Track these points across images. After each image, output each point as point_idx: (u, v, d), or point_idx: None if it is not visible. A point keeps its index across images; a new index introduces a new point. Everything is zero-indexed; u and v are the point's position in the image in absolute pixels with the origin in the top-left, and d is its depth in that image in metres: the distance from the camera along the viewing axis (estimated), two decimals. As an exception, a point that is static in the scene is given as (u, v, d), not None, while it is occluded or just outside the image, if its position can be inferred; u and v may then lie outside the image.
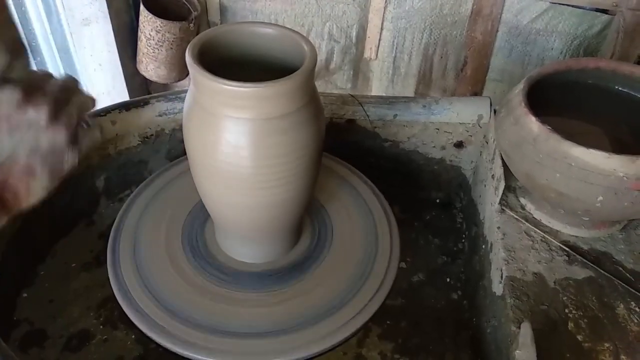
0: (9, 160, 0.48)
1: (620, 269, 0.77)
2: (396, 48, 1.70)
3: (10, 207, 0.50)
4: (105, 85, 1.80)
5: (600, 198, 0.70)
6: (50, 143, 0.49)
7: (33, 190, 0.50)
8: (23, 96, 0.48)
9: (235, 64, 0.68)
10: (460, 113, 1.00)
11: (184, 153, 0.70)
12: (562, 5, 1.48)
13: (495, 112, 0.96)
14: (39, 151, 0.49)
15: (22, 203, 0.51)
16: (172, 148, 1.03)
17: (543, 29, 1.53)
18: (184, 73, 1.73)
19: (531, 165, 0.74)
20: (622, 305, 0.72)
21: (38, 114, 0.48)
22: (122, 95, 1.80)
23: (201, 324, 0.69)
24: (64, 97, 0.51)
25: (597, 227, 0.81)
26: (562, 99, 0.83)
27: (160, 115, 0.99)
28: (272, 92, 0.59)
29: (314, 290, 0.74)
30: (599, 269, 0.76)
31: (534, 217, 0.84)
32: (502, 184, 0.83)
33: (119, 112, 0.96)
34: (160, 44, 1.60)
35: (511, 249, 0.78)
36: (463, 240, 1.03)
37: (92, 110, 0.54)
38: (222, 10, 1.72)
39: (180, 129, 0.68)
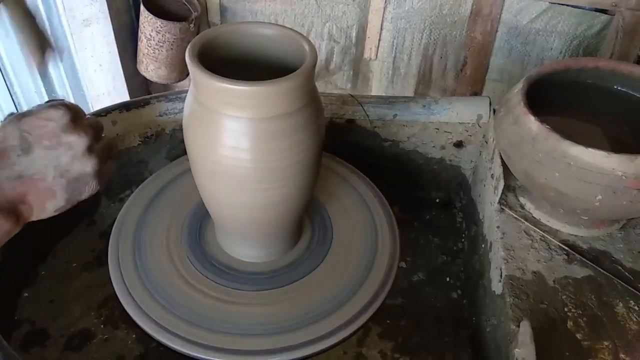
0: (36, 176, 0.50)
1: (620, 267, 0.77)
2: (396, 48, 1.70)
3: (22, 219, 0.51)
4: (105, 85, 1.80)
5: (599, 197, 0.70)
6: (79, 171, 0.52)
7: (47, 209, 0.52)
8: (70, 120, 0.51)
9: (235, 64, 0.68)
10: (459, 113, 1.00)
11: (185, 153, 0.71)
12: (561, 5, 1.49)
13: (494, 111, 0.96)
14: (66, 175, 0.51)
15: (32, 218, 0.52)
16: (172, 148, 1.03)
17: (542, 29, 1.53)
18: (184, 73, 1.73)
19: (530, 164, 0.74)
20: (621, 304, 0.72)
21: (79, 142, 0.51)
22: (122, 95, 1.80)
23: (202, 323, 0.69)
24: (96, 135, 0.54)
25: (596, 226, 0.81)
26: (561, 99, 0.83)
27: (160, 116, 1.00)
28: (272, 92, 0.60)
29: (314, 290, 0.74)
30: (598, 268, 0.76)
31: (533, 217, 0.84)
32: (502, 184, 0.83)
33: (120, 112, 0.96)
34: (161, 44, 1.61)
35: (510, 248, 0.78)
36: (463, 240, 1.03)
37: (113, 152, 0.58)
38: (222, 10, 1.73)
39: (181, 129, 0.69)
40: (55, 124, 0.50)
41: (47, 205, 0.52)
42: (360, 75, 1.80)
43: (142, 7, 1.58)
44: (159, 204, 0.84)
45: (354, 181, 0.90)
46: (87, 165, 0.52)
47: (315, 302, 0.72)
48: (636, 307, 0.72)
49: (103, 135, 0.57)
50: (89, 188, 0.53)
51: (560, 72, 0.82)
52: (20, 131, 0.49)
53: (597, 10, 1.47)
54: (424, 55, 1.69)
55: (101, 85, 1.80)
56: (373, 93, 1.81)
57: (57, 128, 0.50)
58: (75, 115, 0.51)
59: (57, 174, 0.51)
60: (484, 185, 0.94)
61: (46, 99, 1.77)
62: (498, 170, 0.85)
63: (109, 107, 0.96)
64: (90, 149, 0.52)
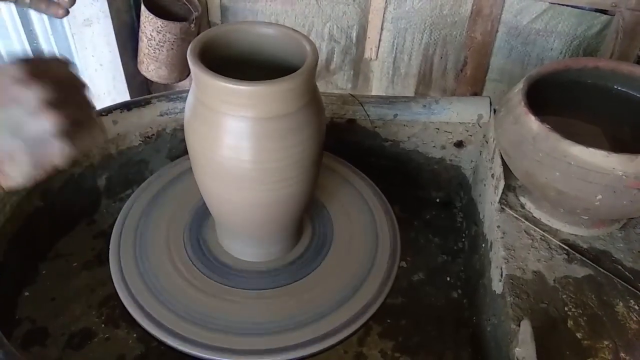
0: None
1: (620, 267, 0.77)
2: (396, 48, 1.70)
3: None
4: (106, 85, 1.80)
5: (599, 197, 0.70)
6: (36, 129, 0.45)
7: (11, 174, 0.46)
8: (26, 75, 0.44)
9: (236, 63, 0.68)
10: (460, 113, 1.00)
11: (185, 152, 0.71)
12: (561, 6, 1.48)
13: (494, 111, 0.97)
14: (20, 135, 0.45)
15: (2, 184, 0.47)
16: (173, 147, 1.03)
17: (542, 29, 1.53)
18: (184, 73, 1.73)
19: (531, 164, 0.74)
20: (621, 304, 0.72)
21: (31, 96, 0.44)
22: (123, 95, 1.80)
23: (202, 322, 0.69)
24: (67, 91, 0.47)
25: (596, 225, 0.81)
26: (562, 99, 0.83)
27: (161, 115, 1.00)
28: (273, 91, 0.60)
29: (315, 289, 0.75)
30: (598, 268, 0.76)
31: (533, 216, 0.84)
32: (502, 183, 0.83)
33: (121, 112, 0.96)
34: (161, 44, 1.61)
35: (511, 248, 0.79)
36: (463, 239, 1.03)
37: (93, 112, 0.50)
38: (223, 10, 1.73)
39: (182, 129, 0.69)
40: (7, 78, 0.44)
41: (6, 169, 0.46)
42: (360, 75, 1.80)
43: (142, 7, 1.58)
44: (159, 203, 0.84)
45: (355, 181, 0.90)
46: (45, 122, 0.44)
47: (316, 301, 0.73)
48: (636, 307, 0.72)
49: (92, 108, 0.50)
50: (58, 150, 0.46)
51: (560, 72, 0.82)
52: None
53: (597, 10, 1.47)
54: (424, 56, 1.69)
55: (102, 84, 1.79)
56: (373, 93, 1.81)
57: (8, 83, 0.43)
58: (34, 71, 0.44)
59: (9, 134, 0.44)
60: (485, 185, 0.94)
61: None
62: (498, 169, 0.85)
63: (109, 106, 0.96)
64: (49, 104, 0.44)
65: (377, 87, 1.80)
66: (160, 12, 1.60)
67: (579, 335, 0.68)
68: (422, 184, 1.11)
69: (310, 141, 0.66)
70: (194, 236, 0.80)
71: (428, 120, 1.01)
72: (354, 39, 1.71)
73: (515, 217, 0.84)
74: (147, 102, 0.99)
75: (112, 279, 0.74)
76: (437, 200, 1.12)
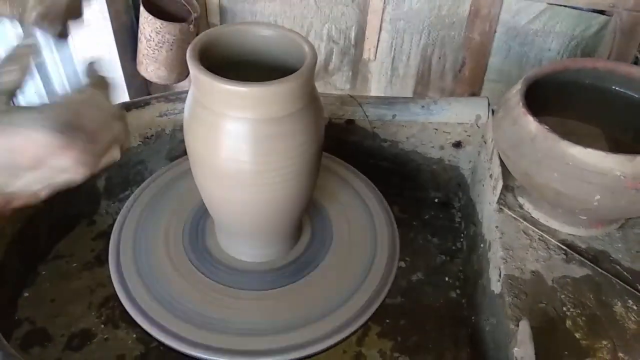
0: (21, 189, 0.47)
1: (618, 267, 0.77)
2: (394, 49, 1.70)
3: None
4: (105, 86, 1.80)
5: (598, 197, 0.70)
6: (67, 182, 0.48)
7: (29, 203, 0.49)
8: (62, 143, 0.46)
9: (235, 65, 0.68)
10: (458, 113, 1.01)
11: (185, 153, 0.71)
12: (559, 6, 1.49)
13: (493, 112, 0.97)
14: (53, 185, 0.48)
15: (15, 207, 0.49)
16: (172, 148, 1.03)
17: (540, 29, 1.54)
18: (183, 74, 1.73)
19: (529, 164, 0.75)
20: (619, 303, 0.72)
21: (68, 162, 0.47)
22: (122, 96, 1.80)
23: (202, 323, 0.69)
24: (103, 137, 0.51)
25: (594, 225, 0.81)
26: (560, 99, 0.84)
27: (160, 116, 1.00)
28: (272, 93, 0.60)
29: (314, 289, 0.75)
30: (596, 268, 0.77)
31: (532, 216, 0.84)
32: (500, 184, 0.83)
33: (120, 113, 0.96)
34: (160, 45, 1.61)
35: (509, 248, 0.79)
36: (461, 240, 1.03)
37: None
38: (222, 11, 1.73)
39: (181, 130, 0.69)
40: (43, 148, 0.45)
41: (30, 202, 0.48)
42: (359, 75, 1.80)
43: (141, 8, 1.58)
44: (159, 204, 0.84)
45: (354, 181, 0.90)
46: (75, 176, 0.48)
47: (315, 301, 0.73)
48: (634, 307, 0.72)
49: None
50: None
51: (558, 72, 0.82)
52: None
53: (594, 11, 1.48)
54: (422, 56, 1.70)
55: (101, 85, 1.80)
56: (372, 94, 1.81)
57: (46, 153, 0.45)
58: (67, 132, 0.46)
59: (43, 187, 0.47)
60: (483, 185, 0.94)
61: (46, 101, 1.77)
62: (497, 170, 0.86)
63: (109, 107, 0.96)
64: (81, 162, 0.47)
65: (376, 87, 1.81)
66: (159, 13, 1.60)
67: (577, 335, 0.69)
68: (420, 184, 1.11)
69: (309, 142, 0.66)
70: (193, 237, 0.80)
71: (426, 121, 1.02)
72: (353, 39, 1.71)
73: (514, 218, 0.84)
74: (147, 103, 0.99)
75: (111, 280, 0.74)
76: (436, 200, 1.13)
